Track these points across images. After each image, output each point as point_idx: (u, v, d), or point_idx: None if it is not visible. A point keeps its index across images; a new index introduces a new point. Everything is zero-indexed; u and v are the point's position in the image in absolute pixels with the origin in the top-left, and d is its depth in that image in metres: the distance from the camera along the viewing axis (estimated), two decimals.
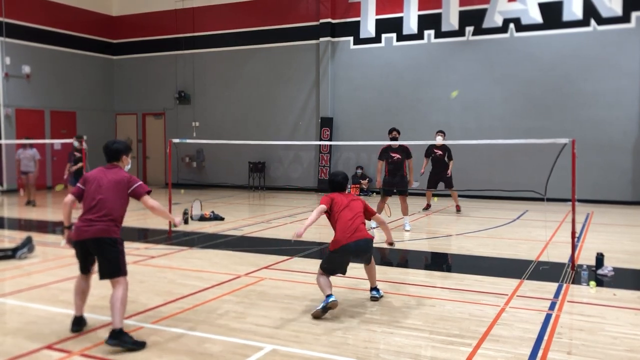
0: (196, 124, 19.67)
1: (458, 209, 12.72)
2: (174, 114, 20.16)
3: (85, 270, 4.81)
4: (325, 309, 5.09)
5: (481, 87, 15.65)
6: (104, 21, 20.94)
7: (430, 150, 12.81)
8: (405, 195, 10.31)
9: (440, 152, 12.72)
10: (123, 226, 4.77)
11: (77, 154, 13.16)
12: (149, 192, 4.78)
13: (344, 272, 5.52)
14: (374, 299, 5.70)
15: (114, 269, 4.57)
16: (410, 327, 4.87)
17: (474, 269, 7.17)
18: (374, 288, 5.78)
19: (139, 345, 4.38)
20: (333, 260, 5.41)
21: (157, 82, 20.46)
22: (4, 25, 17.36)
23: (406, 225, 10.30)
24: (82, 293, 4.83)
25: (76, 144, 12.90)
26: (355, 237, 5.34)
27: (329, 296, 5.12)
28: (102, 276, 4.60)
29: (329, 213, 5.55)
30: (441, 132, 12.56)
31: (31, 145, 14.36)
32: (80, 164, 12.81)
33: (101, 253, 4.57)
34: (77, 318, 4.82)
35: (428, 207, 13.19)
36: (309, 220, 5.29)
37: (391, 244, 5.89)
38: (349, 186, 16.83)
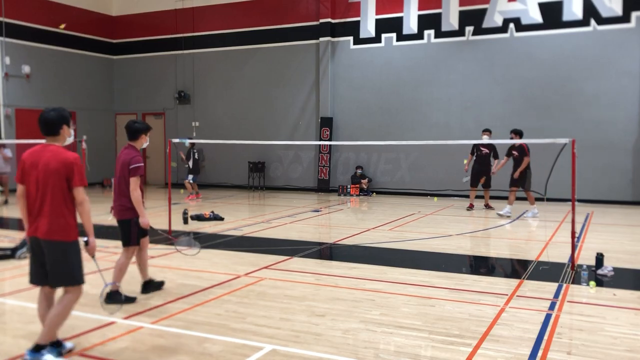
0: (196, 124, 19.66)
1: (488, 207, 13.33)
2: (174, 114, 20.16)
3: None
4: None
5: (481, 87, 15.64)
6: (104, 21, 20.92)
7: (476, 148, 13.19)
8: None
9: (486, 150, 13.13)
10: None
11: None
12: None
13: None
14: None
15: None
16: (410, 327, 4.87)
17: (473, 268, 7.17)
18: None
19: None
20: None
21: (157, 82, 20.45)
22: (4, 25, 17.34)
23: None
24: None
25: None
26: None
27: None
28: None
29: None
30: (487, 131, 12.98)
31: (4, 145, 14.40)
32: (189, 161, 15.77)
33: None
34: None
35: (471, 207, 13.27)
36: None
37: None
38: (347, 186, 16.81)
